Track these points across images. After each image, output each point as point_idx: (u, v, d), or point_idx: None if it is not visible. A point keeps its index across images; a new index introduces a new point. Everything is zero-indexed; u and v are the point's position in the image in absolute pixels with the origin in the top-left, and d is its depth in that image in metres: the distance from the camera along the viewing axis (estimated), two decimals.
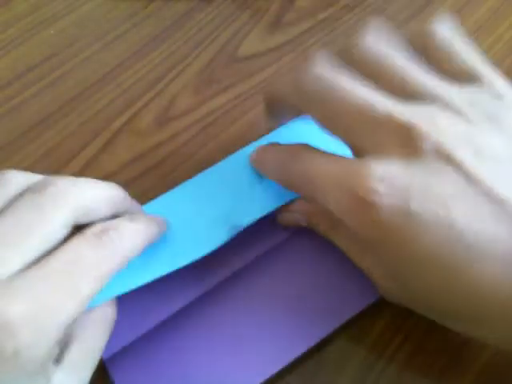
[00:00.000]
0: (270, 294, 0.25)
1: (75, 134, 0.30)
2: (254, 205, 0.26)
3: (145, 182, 0.28)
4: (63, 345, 0.19)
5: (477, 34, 0.34)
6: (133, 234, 0.20)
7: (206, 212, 0.25)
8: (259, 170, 0.25)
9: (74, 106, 0.31)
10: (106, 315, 0.21)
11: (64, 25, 0.34)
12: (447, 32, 0.21)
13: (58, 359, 0.19)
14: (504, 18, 0.34)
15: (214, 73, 0.32)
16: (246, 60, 0.33)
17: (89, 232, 0.19)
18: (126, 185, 0.28)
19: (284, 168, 0.23)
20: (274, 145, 0.25)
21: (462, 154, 0.18)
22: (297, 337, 0.23)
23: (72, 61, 0.33)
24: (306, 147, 0.22)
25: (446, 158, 0.18)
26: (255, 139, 0.29)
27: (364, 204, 0.18)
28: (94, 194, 0.20)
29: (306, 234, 0.26)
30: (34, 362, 0.17)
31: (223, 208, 0.25)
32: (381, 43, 0.21)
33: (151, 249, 0.23)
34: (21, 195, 0.19)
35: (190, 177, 0.28)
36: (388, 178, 0.18)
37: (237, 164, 0.27)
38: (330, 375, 0.23)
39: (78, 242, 0.18)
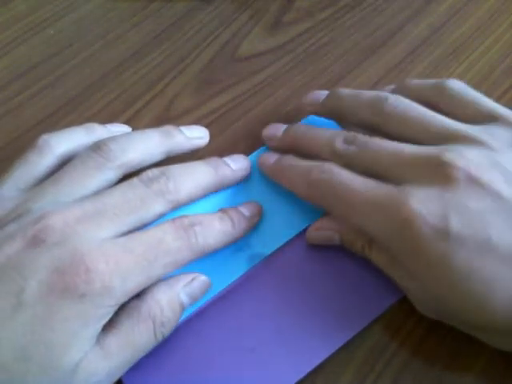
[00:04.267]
0: (286, 297, 0.24)
1: None
2: (275, 232, 0.26)
3: None
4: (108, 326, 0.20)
5: (477, 33, 0.34)
6: (216, 235, 0.23)
7: None
8: (283, 185, 0.26)
9: (74, 105, 0.31)
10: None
11: (64, 25, 0.34)
12: (459, 84, 0.24)
13: (99, 339, 0.20)
14: (504, 18, 0.34)
15: (214, 73, 0.32)
16: (245, 60, 0.33)
17: (178, 221, 0.22)
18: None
19: (317, 188, 0.23)
20: (297, 160, 0.25)
21: (490, 177, 0.20)
22: (314, 346, 0.23)
23: (72, 61, 0.33)
24: (336, 166, 0.23)
25: (476, 181, 0.20)
26: (255, 140, 0.29)
27: (406, 224, 0.20)
28: (134, 156, 0.24)
29: None
30: (91, 312, 0.19)
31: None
32: (399, 100, 0.24)
33: None
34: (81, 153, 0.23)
35: None
36: (428, 201, 0.20)
37: (252, 190, 0.27)
38: (329, 376, 0.23)
39: (165, 227, 0.21)
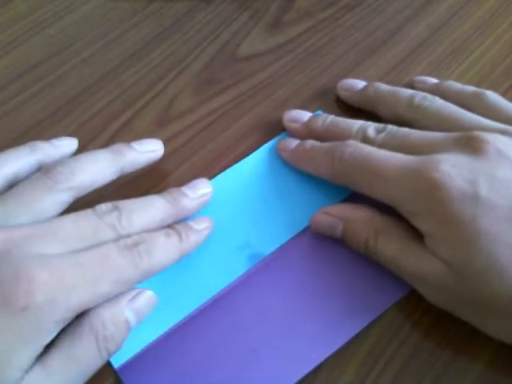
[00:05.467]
0: (285, 296, 0.24)
1: (75, 134, 0.29)
2: (275, 232, 0.26)
3: (145, 182, 0.28)
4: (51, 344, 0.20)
5: (477, 33, 0.34)
6: (162, 251, 0.22)
7: (224, 239, 0.25)
8: (305, 168, 0.26)
9: (74, 106, 0.31)
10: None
11: (64, 25, 0.34)
12: (496, 95, 0.27)
13: (41, 358, 0.19)
14: (504, 18, 0.34)
15: (213, 73, 0.32)
16: (245, 60, 0.33)
17: (122, 242, 0.21)
18: (125, 185, 0.28)
19: (342, 163, 0.24)
20: (319, 143, 0.26)
21: None
22: (314, 346, 0.23)
23: (72, 61, 0.33)
24: (356, 142, 0.24)
25: (503, 155, 0.22)
26: (256, 140, 0.29)
27: (436, 187, 0.21)
28: (85, 178, 0.23)
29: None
30: (32, 327, 0.18)
31: (242, 235, 0.25)
32: (435, 99, 0.26)
33: (175, 283, 0.24)
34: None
35: (189, 177, 0.28)
36: (459, 165, 0.21)
37: (253, 189, 0.27)
38: (329, 376, 0.23)
39: (110, 246, 0.21)
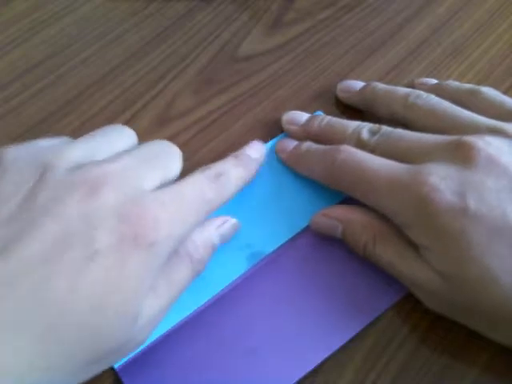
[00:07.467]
0: (285, 296, 0.24)
1: (75, 134, 0.30)
2: (275, 231, 0.26)
3: None
4: None
5: (477, 34, 0.34)
6: (236, 180, 0.24)
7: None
8: (301, 170, 0.27)
9: (74, 106, 0.31)
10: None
11: (64, 25, 0.34)
12: (493, 90, 0.27)
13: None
14: (504, 18, 0.34)
15: (213, 73, 0.32)
16: (246, 60, 0.33)
17: (207, 173, 0.22)
18: None
19: (333, 167, 0.24)
20: (315, 145, 0.26)
21: (508, 159, 0.21)
22: (314, 346, 0.23)
23: (72, 61, 0.33)
24: (352, 147, 0.24)
25: (494, 162, 0.21)
26: (255, 139, 0.29)
27: (426, 201, 0.21)
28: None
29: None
30: (157, 259, 0.19)
31: (242, 235, 0.25)
32: (431, 96, 0.26)
33: None
34: None
35: None
36: (447, 178, 0.21)
37: (252, 189, 0.27)
38: (329, 376, 0.23)
39: (200, 179, 0.22)
